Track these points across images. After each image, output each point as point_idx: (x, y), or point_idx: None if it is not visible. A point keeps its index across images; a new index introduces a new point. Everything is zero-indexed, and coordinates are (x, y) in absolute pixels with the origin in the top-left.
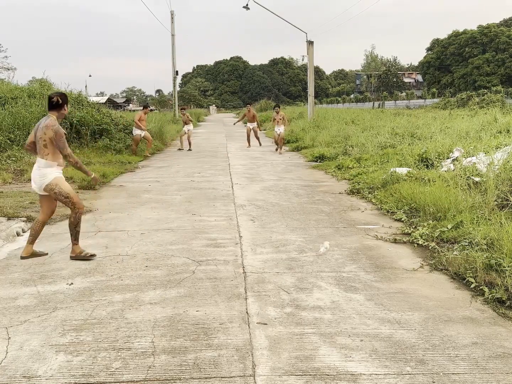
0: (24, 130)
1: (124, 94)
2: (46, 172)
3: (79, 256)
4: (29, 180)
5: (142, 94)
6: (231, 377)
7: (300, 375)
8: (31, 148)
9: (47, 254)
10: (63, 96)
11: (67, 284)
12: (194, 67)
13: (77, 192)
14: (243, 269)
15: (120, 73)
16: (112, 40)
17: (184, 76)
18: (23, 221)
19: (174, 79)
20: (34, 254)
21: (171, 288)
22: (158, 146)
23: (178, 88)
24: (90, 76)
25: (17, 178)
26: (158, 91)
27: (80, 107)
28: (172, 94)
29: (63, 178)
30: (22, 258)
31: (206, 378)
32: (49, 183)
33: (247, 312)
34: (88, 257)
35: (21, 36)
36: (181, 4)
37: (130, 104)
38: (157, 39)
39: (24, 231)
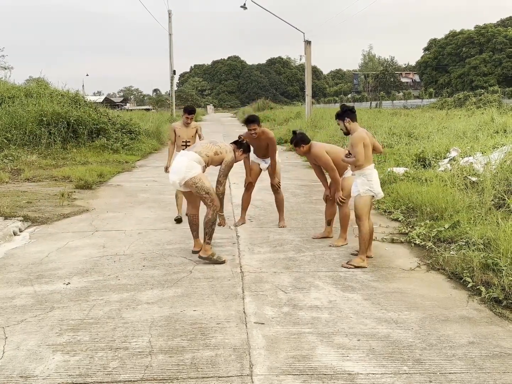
0: (21, 130)
1: (122, 94)
2: (195, 166)
3: (211, 259)
4: (26, 179)
5: (140, 93)
6: (229, 376)
7: (297, 374)
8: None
9: (224, 262)
10: (247, 144)
11: (64, 283)
12: (191, 67)
13: (73, 192)
14: (241, 269)
15: (118, 73)
16: (110, 39)
17: (181, 75)
18: (20, 220)
19: (172, 78)
20: (211, 259)
21: (168, 288)
22: (155, 146)
23: (175, 88)
24: (87, 75)
25: (14, 178)
26: (155, 90)
27: (77, 107)
28: (169, 94)
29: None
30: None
31: (203, 377)
32: (194, 176)
33: (244, 312)
34: (220, 262)
35: (17, 35)
36: (178, 3)
37: (127, 104)
38: (154, 38)
39: (21, 231)
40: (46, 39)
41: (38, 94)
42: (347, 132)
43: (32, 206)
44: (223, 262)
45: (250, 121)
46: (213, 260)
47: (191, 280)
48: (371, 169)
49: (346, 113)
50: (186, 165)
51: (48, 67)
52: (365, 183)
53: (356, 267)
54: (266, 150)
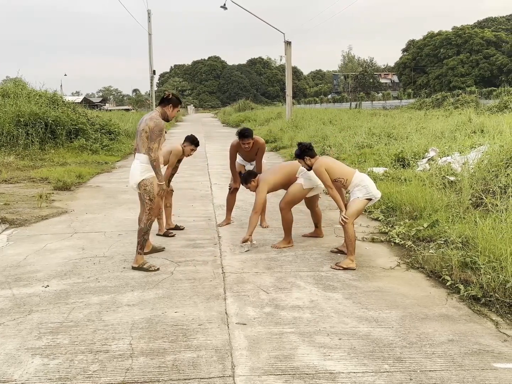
0: None
1: (101, 94)
2: (149, 168)
3: (142, 268)
4: (4, 181)
5: (119, 93)
6: (210, 378)
7: (279, 374)
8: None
9: (158, 269)
10: (174, 97)
11: (43, 286)
12: (171, 67)
13: (52, 193)
14: (222, 269)
15: (97, 72)
16: (88, 39)
17: (161, 75)
18: None
19: (152, 78)
20: (154, 250)
21: (149, 290)
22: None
23: (155, 88)
24: (65, 75)
25: None
26: (135, 90)
27: (55, 107)
28: (149, 94)
29: None
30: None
31: (185, 379)
32: (147, 179)
33: (226, 313)
34: (151, 270)
35: None
36: (158, 3)
37: (106, 104)
38: (134, 38)
39: None
40: (25, 38)
41: (15, 95)
42: (310, 168)
43: (10, 208)
44: (156, 270)
45: (245, 136)
46: (144, 269)
47: (172, 282)
48: (358, 177)
49: (304, 153)
50: (139, 168)
51: (25, 67)
52: (361, 190)
53: (345, 268)
54: (255, 155)
